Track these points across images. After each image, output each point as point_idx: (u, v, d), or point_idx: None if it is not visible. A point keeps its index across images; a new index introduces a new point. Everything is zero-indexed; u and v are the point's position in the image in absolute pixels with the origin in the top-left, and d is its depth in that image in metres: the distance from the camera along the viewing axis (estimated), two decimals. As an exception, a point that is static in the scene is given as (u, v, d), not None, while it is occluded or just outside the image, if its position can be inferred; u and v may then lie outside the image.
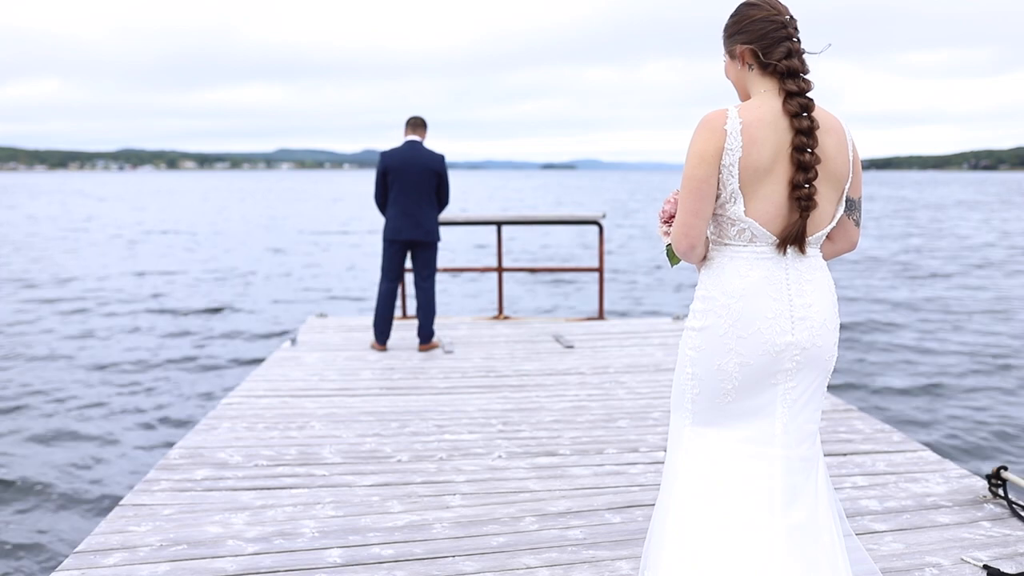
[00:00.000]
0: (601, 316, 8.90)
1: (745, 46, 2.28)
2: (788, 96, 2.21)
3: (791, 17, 2.26)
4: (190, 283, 18.45)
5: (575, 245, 27.68)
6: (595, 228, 8.32)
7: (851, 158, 2.30)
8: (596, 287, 10.35)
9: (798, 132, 2.18)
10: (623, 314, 14.08)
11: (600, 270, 8.80)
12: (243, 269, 21.30)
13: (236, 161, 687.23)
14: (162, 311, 14.71)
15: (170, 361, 10.81)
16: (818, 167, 2.20)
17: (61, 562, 3.38)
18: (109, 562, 3.31)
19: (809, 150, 2.18)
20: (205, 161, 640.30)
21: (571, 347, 7.36)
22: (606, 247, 25.46)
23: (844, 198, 2.32)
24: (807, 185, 2.18)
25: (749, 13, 2.28)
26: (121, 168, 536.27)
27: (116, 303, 15.54)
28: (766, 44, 2.24)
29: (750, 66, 2.29)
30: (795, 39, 2.26)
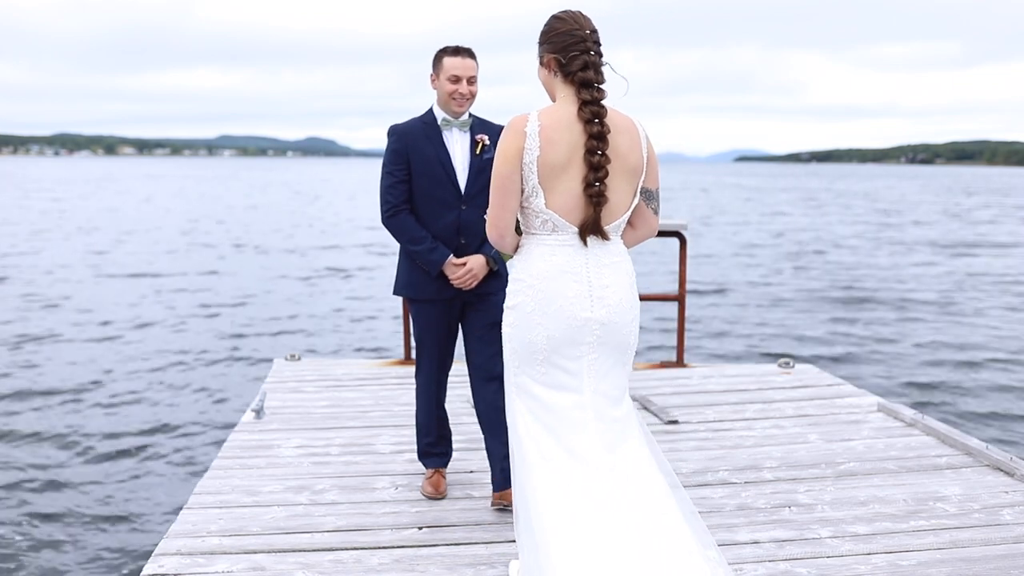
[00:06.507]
0: (680, 360, 6.49)
1: (551, 55, 2.55)
2: (582, 104, 2.48)
3: (591, 31, 2.53)
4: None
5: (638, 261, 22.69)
6: (674, 240, 6.26)
7: (645, 154, 2.58)
8: (674, 321, 7.50)
9: (590, 137, 2.45)
10: (704, 355, 10.65)
11: (681, 298, 6.39)
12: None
13: (176, 147, 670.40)
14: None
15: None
16: (611, 164, 2.49)
17: None
18: None
19: (599, 152, 2.45)
20: (145, 147, 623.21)
21: (675, 422, 5.01)
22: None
23: (640, 189, 2.61)
24: (597, 184, 2.46)
25: (555, 26, 2.55)
26: (57, 153, 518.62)
27: None
28: (566, 55, 2.51)
29: (555, 73, 2.56)
30: (592, 52, 2.51)
